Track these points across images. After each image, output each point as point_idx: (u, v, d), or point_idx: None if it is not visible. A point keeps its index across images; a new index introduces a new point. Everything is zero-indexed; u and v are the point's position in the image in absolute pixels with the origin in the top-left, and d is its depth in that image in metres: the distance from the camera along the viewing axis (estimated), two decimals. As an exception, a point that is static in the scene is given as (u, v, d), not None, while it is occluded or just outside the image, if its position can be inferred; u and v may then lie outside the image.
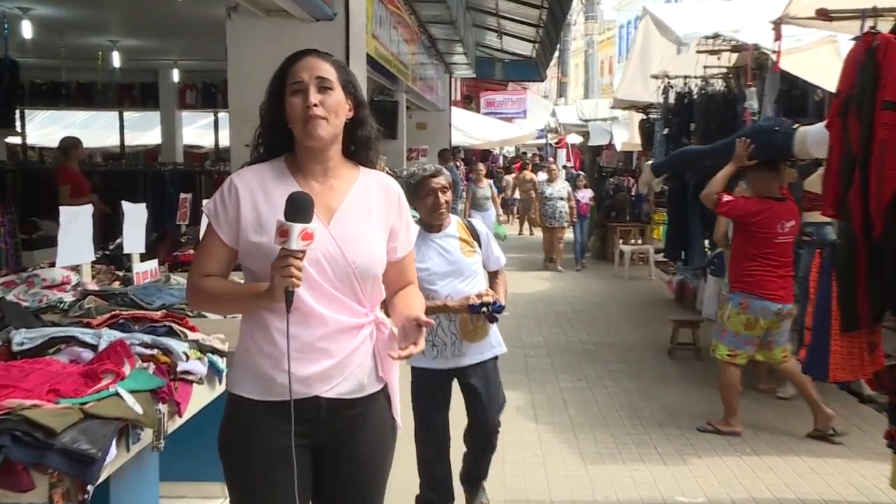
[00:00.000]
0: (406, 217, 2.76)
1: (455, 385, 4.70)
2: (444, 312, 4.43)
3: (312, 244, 2.33)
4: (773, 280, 6.37)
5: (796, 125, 6.24)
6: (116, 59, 13.28)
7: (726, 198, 6.46)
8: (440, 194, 4.45)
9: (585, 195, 16.73)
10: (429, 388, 4.61)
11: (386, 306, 2.80)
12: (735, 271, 6.60)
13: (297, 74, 2.54)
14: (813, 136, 5.86)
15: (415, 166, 4.77)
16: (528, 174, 23.62)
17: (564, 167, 25.02)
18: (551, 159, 26.23)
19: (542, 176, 20.95)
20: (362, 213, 2.62)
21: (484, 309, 4.37)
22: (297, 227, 2.29)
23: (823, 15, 5.16)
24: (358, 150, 2.69)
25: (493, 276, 4.81)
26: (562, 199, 16.09)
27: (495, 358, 4.73)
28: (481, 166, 17.26)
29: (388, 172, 3.20)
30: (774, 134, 6.23)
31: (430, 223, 4.53)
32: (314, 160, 2.59)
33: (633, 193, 17.23)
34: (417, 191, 4.47)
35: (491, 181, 17.16)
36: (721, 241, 7.64)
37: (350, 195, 2.62)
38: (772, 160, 6.40)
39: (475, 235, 4.65)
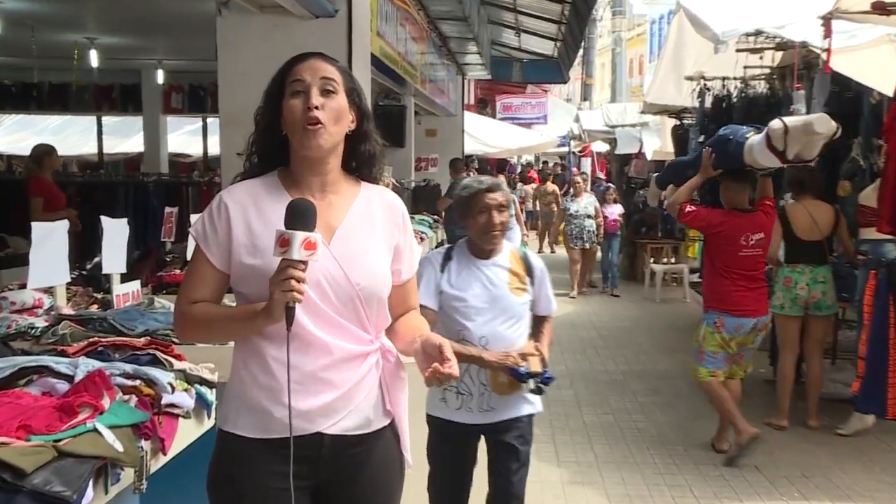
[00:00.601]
0: (410, 237, 2.78)
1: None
2: (476, 364, 4.09)
3: (315, 255, 2.33)
4: (744, 295, 6.64)
5: (751, 134, 6.42)
6: (94, 58, 13.29)
7: (689, 207, 6.75)
8: (495, 213, 4.14)
9: (614, 211, 16.23)
10: (449, 445, 4.33)
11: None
12: (707, 290, 6.95)
13: (299, 75, 2.55)
14: (757, 146, 6.15)
15: (470, 178, 4.51)
16: (550, 186, 23.66)
17: (596, 179, 25.03)
18: (575, 170, 26.23)
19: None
20: (365, 230, 2.63)
21: (530, 380, 4.02)
22: (299, 236, 2.30)
23: (880, 8, 5.14)
24: (360, 166, 2.71)
25: (538, 323, 4.42)
26: (589, 216, 15.54)
27: (531, 416, 4.35)
28: (502, 177, 16.70)
29: (394, 184, 3.21)
30: (728, 143, 6.51)
31: (481, 247, 4.22)
32: (312, 172, 2.60)
33: (664, 207, 17.17)
34: (469, 206, 4.19)
35: (514, 196, 16.10)
36: (772, 260, 7.60)
37: (351, 211, 2.63)
38: (739, 170, 6.63)
39: (528, 269, 4.30)
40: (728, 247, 6.65)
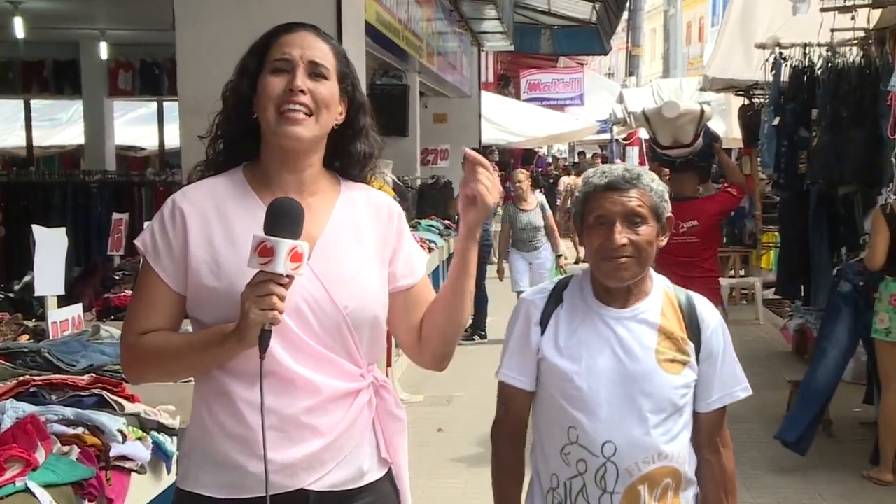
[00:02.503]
0: (407, 240, 2.77)
1: None
2: None
3: (301, 269, 2.33)
4: (676, 282, 6.83)
5: None
6: (20, 28, 13.20)
7: None
8: (622, 226, 3.05)
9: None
10: None
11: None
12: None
13: (285, 49, 2.56)
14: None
15: (593, 168, 3.41)
16: (576, 180, 23.74)
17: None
18: (619, 161, 26.23)
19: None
20: (351, 240, 2.63)
21: None
22: (285, 244, 2.29)
23: None
24: (347, 168, 2.72)
25: (705, 426, 3.26)
26: None
27: None
28: (522, 174, 13.61)
29: (396, 182, 3.22)
30: None
31: (604, 284, 3.18)
32: (287, 168, 2.60)
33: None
34: (583, 214, 3.16)
35: (543, 198, 13.56)
36: (877, 265, 7.52)
37: (333, 218, 2.64)
38: (670, 161, 8.35)
39: (692, 327, 3.21)
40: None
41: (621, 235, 3.01)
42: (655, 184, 3.14)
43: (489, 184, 2.57)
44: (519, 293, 11.99)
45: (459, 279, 2.68)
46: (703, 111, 8.45)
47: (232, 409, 2.51)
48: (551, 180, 29.59)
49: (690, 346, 3.17)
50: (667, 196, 3.16)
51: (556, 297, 3.20)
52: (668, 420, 3.11)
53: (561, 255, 13.22)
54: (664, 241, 3.16)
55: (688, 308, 3.24)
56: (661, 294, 3.22)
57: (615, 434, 3.05)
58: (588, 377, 3.06)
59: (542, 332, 3.14)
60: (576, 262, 17.95)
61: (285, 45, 2.57)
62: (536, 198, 13.24)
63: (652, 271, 3.21)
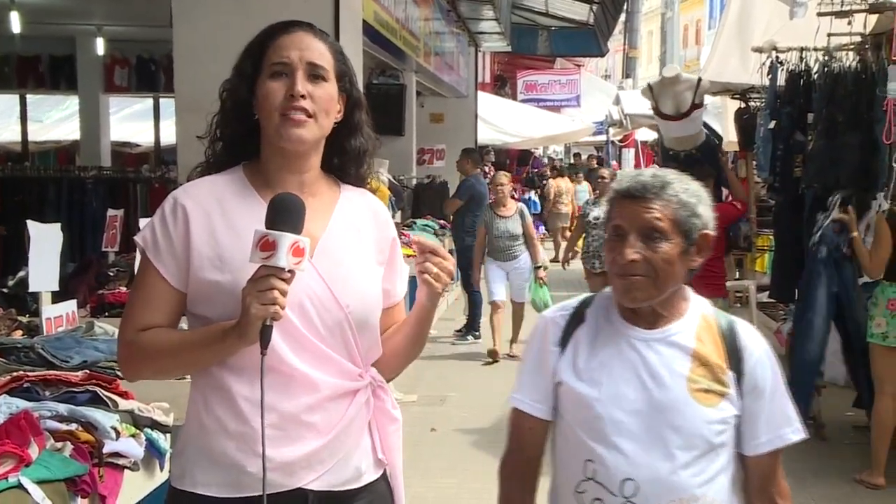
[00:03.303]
0: (397, 255, 2.79)
1: None
2: None
3: (301, 265, 2.34)
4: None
5: None
6: (16, 22, 13.20)
7: None
8: (635, 239, 2.68)
9: None
10: None
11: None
12: None
13: (283, 52, 2.56)
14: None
15: (624, 171, 3.04)
16: (559, 183, 23.72)
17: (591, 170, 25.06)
18: (615, 164, 26.23)
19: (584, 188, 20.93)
20: (352, 241, 2.65)
21: None
22: (287, 238, 2.30)
23: None
24: (345, 164, 2.73)
25: (751, 471, 2.86)
26: None
27: None
28: (504, 177, 12.48)
29: (391, 181, 3.22)
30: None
31: (627, 305, 2.80)
32: (289, 169, 2.60)
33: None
34: (607, 220, 2.80)
35: (523, 206, 12.72)
36: (876, 272, 7.52)
37: (334, 218, 2.65)
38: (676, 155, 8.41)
39: (733, 354, 2.80)
40: None
41: (632, 251, 2.64)
42: (688, 195, 2.69)
43: (437, 270, 2.60)
44: (493, 303, 12.03)
45: (418, 326, 2.78)
46: (699, 80, 9.13)
47: (230, 406, 2.51)
48: (545, 181, 29.61)
49: (730, 377, 2.74)
50: (703, 210, 2.72)
51: (578, 315, 2.84)
52: (702, 459, 2.69)
53: (540, 267, 11.97)
54: (698, 261, 2.75)
55: (729, 334, 2.82)
56: (697, 317, 2.81)
57: (637, 470, 2.65)
58: (609, 404, 2.68)
59: (561, 354, 2.78)
60: (552, 261, 17.10)
61: (282, 47, 2.56)
62: (516, 204, 12.41)
63: (689, 292, 2.85)
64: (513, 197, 12.84)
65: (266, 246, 2.29)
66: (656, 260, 2.63)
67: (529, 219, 12.20)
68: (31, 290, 5.04)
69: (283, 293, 2.32)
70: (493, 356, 11.68)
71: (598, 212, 11.86)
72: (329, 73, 2.58)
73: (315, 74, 2.55)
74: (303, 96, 2.51)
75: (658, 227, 2.64)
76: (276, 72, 2.54)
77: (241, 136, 2.64)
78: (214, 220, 2.55)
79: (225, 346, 2.43)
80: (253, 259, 2.31)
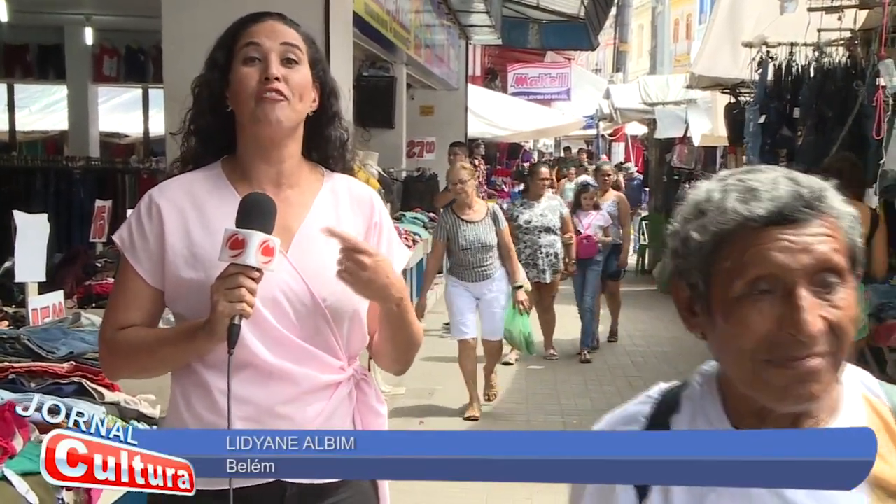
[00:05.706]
0: (386, 237, 2.76)
1: None
2: None
3: (271, 265, 2.33)
4: None
5: None
6: (3, 11, 13.08)
7: None
8: (812, 295, 1.57)
9: (593, 222, 11.97)
10: None
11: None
12: None
13: (255, 38, 2.56)
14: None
15: (717, 183, 1.73)
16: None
17: (622, 169, 24.76)
18: (604, 157, 26.18)
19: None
20: None
21: None
22: (256, 237, 2.29)
23: None
24: (324, 156, 2.72)
25: None
26: (548, 229, 10.90)
27: None
28: (464, 170, 9.21)
29: (381, 174, 3.21)
30: None
31: (767, 405, 1.67)
32: (265, 160, 2.60)
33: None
34: (714, 269, 1.65)
35: (496, 206, 9.64)
36: (881, 271, 7.53)
37: (314, 210, 2.64)
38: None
39: None
40: None
41: (813, 315, 1.54)
42: (845, 204, 1.64)
43: (354, 267, 2.43)
44: (461, 343, 9.00)
45: (387, 326, 2.64)
46: None
47: (209, 400, 2.51)
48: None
49: None
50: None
51: (656, 421, 1.84)
52: None
53: (521, 287, 9.10)
54: None
55: None
56: (860, 407, 1.68)
57: None
58: None
59: (641, 501, 1.71)
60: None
61: (254, 34, 2.56)
62: (486, 204, 9.37)
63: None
64: (492, 195, 10.97)
65: (235, 244, 2.29)
66: (842, 321, 1.57)
67: (505, 224, 9.19)
68: (17, 280, 5.03)
69: (252, 291, 2.31)
70: (471, 419, 8.80)
71: (528, 213, 10.83)
72: (302, 57, 2.58)
73: (288, 59, 2.55)
74: (277, 79, 2.50)
75: (836, 263, 1.58)
76: (250, 57, 2.54)
77: (216, 130, 2.64)
78: (189, 218, 2.55)
79: (195, 344, 2.44)
80: (222, 257, 2.31)
